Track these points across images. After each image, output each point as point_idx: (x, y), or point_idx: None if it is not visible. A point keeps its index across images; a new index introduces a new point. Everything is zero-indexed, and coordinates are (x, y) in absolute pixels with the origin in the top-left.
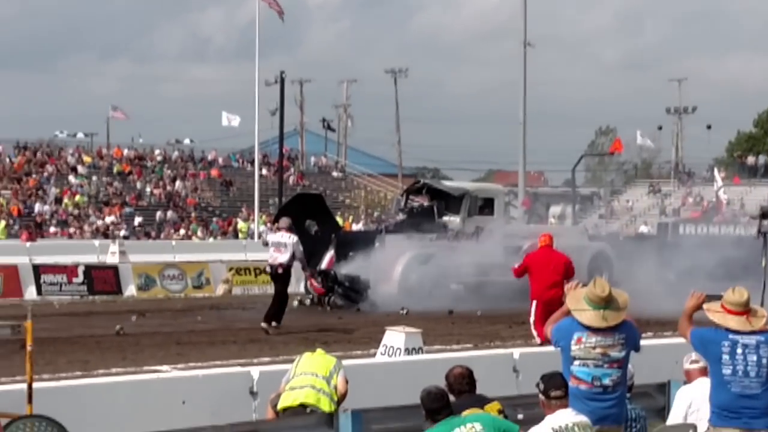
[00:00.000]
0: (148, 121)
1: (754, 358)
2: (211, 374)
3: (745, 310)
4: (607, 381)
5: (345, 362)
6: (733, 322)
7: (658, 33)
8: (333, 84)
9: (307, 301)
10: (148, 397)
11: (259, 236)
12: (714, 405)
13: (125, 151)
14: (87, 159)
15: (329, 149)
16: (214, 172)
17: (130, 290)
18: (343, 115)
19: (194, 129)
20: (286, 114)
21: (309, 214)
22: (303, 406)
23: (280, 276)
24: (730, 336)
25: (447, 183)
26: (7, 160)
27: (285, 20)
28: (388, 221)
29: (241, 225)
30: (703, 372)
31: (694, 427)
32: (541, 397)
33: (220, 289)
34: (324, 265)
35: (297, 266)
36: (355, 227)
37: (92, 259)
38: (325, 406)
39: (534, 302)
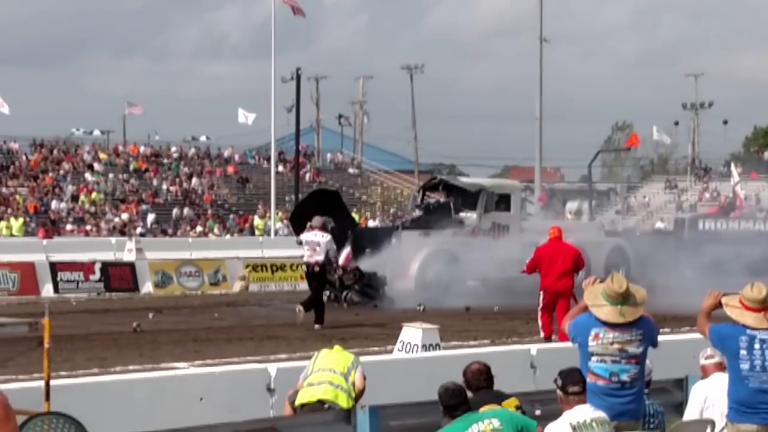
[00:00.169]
0: (165, 118)
1: None
2: (229, 371)
3: (762, 307)
4: (624, 377)
5: (362, 359)
6: (750, 318)
7: (675, 28)
8: (349, 81)
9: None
10: (165, 394)
11: (276, 233)
12: (732, 400)
13: (141, 149)
14: (103, 156)
15: (345, 146)
16: (230, 169)
17: (147, 287)
18: (359, 112)
19: (210, 126)
20: (302, 111)
21: (325, 210)
22: (321, 402)
23: (317, 275)
24: (748, 331)
25: (463, 179)
26: (24, 157)
27: (300, 18)
28: (405, 217)
29: (257, 222)
30: (719, 367)
31: (712, 422)
32: (559, 392)
33: (237, 286)
34: (341, 261)
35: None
36: (372, 224)
37: (109, 256)
38: (343, 402)
39: (542, 292)
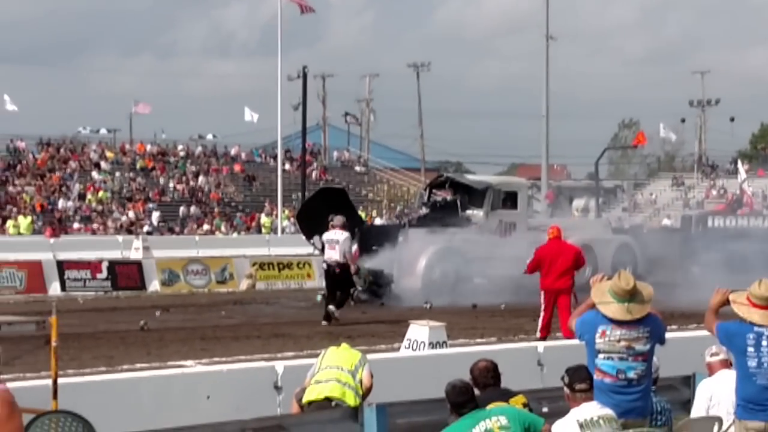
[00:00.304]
0: (171, 116)
1: None
2: (236, 369)
3: None
4: (631, 374)
5: (369, 356)
6: (758, 316)
7: (681, 25)
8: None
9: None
10: (172, 393)
11: (283, 231)
12: (739, 398)
13: (148, 147)
14: (110, 155)
15: (352, 144)
16: (237, 168)
17: (154, 285)
18: (365, 110)
19: (217, 124)
20: (309, 109)
21: (332, 208)
22: (328, 400)
23: (337, 275)
24: (756, 328)
25: (470, 177)
26: (31, 156)
27: (307, 15)
28: (411, 215)
29: (264, 220)
30: (724, 364)
31: (719, 419)
32: (566, 390)
33: (244, 284)
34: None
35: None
36: (378, 222)
37: (116, 254)
38: (350, 400)
39: (543, 292)
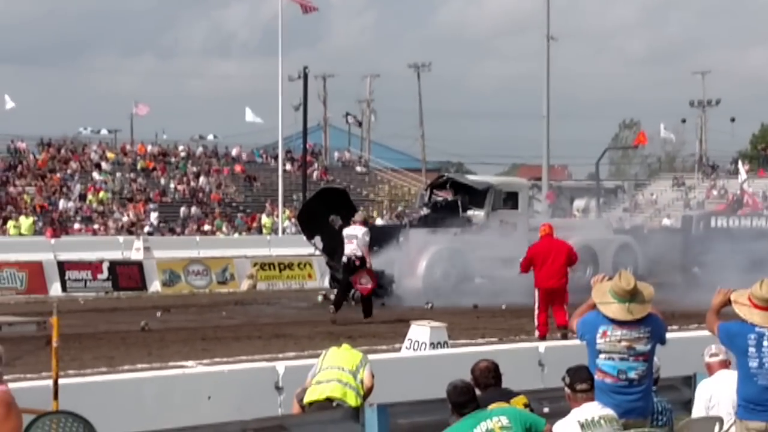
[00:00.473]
0: (172, 117)
1: None
2: (237, 369)
3: None
4: (632, 374)
5: (370, 357)
6: (759, 317)
7: (682, 26)
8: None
9: (332, 296)
10: (173, 393)
11: (283, 231)
12: (741, 398)
13: (149, 148)
14: (111, 155)
15: (353, 144)
16: (237, 168)
17: (155, 286)
18: (366, 110)
19: (218, 125)
20: (310, 109)
21: (333, 208)
22: (329, 400)
23: (357, 267)
24: (757, 329)
25: (471, 177)
26: (31, 156)
27: (308, 16)
28: (412, 216)
29: (265, 220)
30: (723, 365)
31: (720, 419)
32: (567, 390)
33: (245, 285)
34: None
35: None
36: (379, 222)
37: (117, 255)
38: (352, 400)
39: (537, 290)
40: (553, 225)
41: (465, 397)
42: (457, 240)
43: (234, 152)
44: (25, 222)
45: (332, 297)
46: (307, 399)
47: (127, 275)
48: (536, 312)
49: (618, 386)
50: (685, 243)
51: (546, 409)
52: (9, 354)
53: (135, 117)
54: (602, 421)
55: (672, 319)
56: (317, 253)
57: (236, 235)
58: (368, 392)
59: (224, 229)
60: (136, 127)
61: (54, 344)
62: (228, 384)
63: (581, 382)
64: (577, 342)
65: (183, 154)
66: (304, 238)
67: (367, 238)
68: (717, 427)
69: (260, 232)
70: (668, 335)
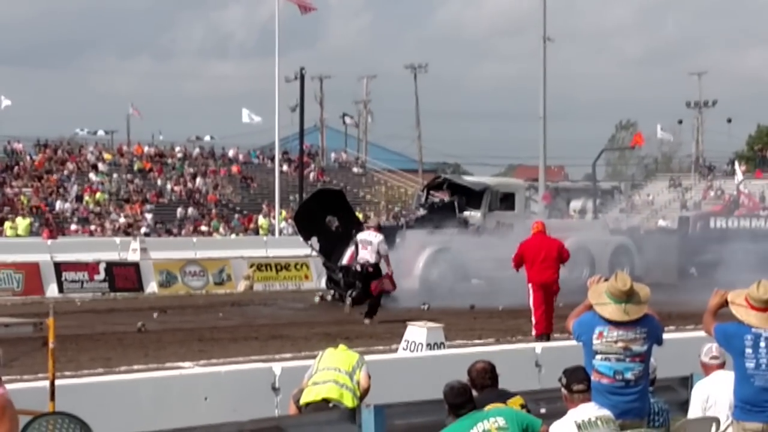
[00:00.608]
0: (169, 118)
1: None
2: (233, 370)
3: (767, 306)
4: (629, 375)
5: (367, 357)
6: (755, 318)
7: (678, 27)
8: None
9: (329, 297)
10: (170, 394)
11: (280, 233)
12: (737, 399)
13: (146, 149)
14: (107, 156)
15: (349, 145)
16: (234, 169)
17: (152, 287)
18: (363, 111)
19: (215, 126)
20: (306, 110)
21: (330, 209)
22: (326, 401)
23: (371, 274)
24: (753, 330)
25: (467, 178)
26: (28, 158)
27: (305, 16)
28: (409, 217)
29: (261, 221)
30: (720, 365)
31: (717, 420)
32: (564, 391)
33: (242, 286)
34: (345, 260)
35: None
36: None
37: (113, 256)
38: (348, 401)
39: (530, 286)
40: (550, 226)
41: (462, 398)
42: (453, 241)
43: (231, 153)
44: (22, 223)
45: (329, 298)
46: (303, 400)
47: (123, 276)
48: (532, 309)
49: (614, 387)
50: (681, 244)
51: (543, 410)
52: (5, 355)
53: (131, 118)
54: (599, 422)
55: (668, 319)
56: (314, 254)
57: (233, 236)
58: (365, 393)
59: (221, 230)
60: (132, 128)
61: (50, 345)
62: (225, 385)
63: (578, 382)
64: (573, 343)
65: (180, 155)
66: (301, 239)
67: (386, 246)
68: (714, 428)
69: (257, 233)
70: (665, 336)
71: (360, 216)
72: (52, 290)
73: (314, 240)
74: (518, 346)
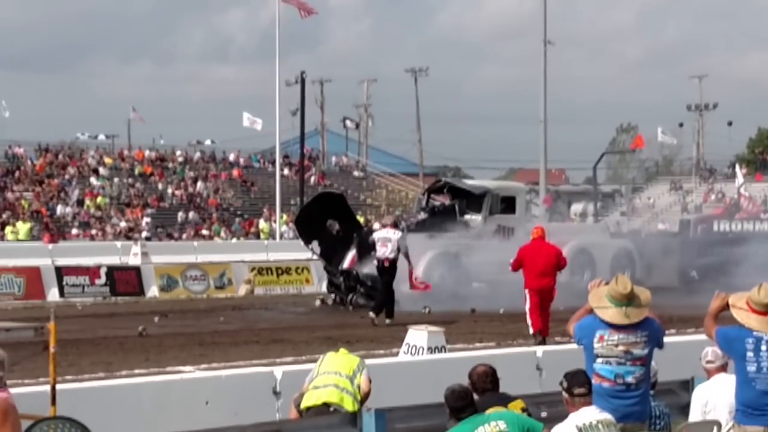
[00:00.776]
0: (170, 122)
1: None
2: (234, 374)
3: None
4: (630, 378)
5: (368, 361)
6: (756, 322)
7: (679, 30)
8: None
9: (329, 301)
10: (171, 398)
11: (281, 236)
12: (739, 402)
13: (146, 153)
14: (108, 161)
15: (350, 149)
16: (235, 173)
17: (153, 291)
18: (363, 115)
19: (216, 130)
20: (307, 114)
21: (331, 213)
22: (326, 405)
23: (387, 269)
24: (755, 333)
25: (468, 182)
26: (29, 162)
27: (306, 20)
28: (410, 220)
29: (262, 225)
30: (721, 368)
31: (718, 423)
32: (565, 394)
33: (243, 290)
34: (346, 264)
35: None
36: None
37: (114, 260)
38: (349, 405)
39: (527, 291)
40: (551, 229)
41: (463, 402)
42: (454, 244)
43: (231, 157)
44: (23, 227)
45: (329, 302)
46: (304, 404)
47: (124, 280)
48: (527, 313)
49: (615, 390)
50: (682, 247)
51: (544, 414)
52: (7, 359)
53: (132, 122)
54: (600, 426)
55: (669, 323)
56: (315, 257)
57: (234, 240)
58: (365, 397)
59: (222, 234)
60: (133, 133)
61: (51, 350)
62: (226, 389)
63: (579, 386)
64: (574, 346)
65: (180, 159)
66: (302, 243)
67: (405, 242)
68: (715, 431)
69: (258, 237)
70: (666, 339)
71: (361, 220)
72: (53, 294)
73: (315, 244)
74: (519, 349)
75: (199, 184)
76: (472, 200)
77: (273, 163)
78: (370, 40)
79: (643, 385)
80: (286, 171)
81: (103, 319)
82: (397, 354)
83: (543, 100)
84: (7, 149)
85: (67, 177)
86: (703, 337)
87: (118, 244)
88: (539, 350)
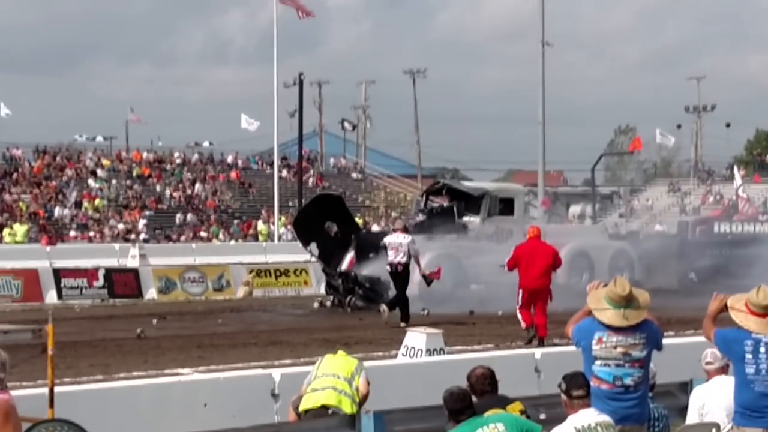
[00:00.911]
0: (168, 124)
1: None
2: (233, 377)
3: (767, 312)
4: (628, 381)
5: (366, 363)
6: (754, 324)
7: (677, 32)
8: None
9: (328, 303)
10: (169, 401)
11: (279, 238)
12: (738, 404)
13: (144, 155)
14: (106, 162)
15: (348, 150)
16: (233, 175)
17: (151, 293)
18: (361, 117)
19: (214, 131)
20: (305, 116)
21: (329, 215)
22: (324, 408)
23: (400, 274)
24: (753, 335)
25: (466, 183)
26: (27, 164)
27: (304, 21)
28: (408, 222)
29: (261, 227)
30: (720, 371)
31: (717, 426)
32: (563, 397)
33: (241, 292)
34: (344, 266)
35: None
36: (375, 228)
37: (112, 262)
38: (347, 407)
39: (521, 290)
40: (550, 231)
41: (461, 404)
42: (452, 246)
43: (229, 159)
44: (20, 229)
45: (328, 304)
46: (302, 407)
47: (122, 282)
48: (518, 309)
49: (614, 393)
50: (681, 248)
51: (542, 416)
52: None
53: (130, 124)
54: (599, 428)
55: (668, 324)
56: (313, 259)
57: (232, 242)
58: (364, 399)
59: (220, 236)
60: (131, 135)
61: (50, 352)
62: (224, 391)
63: (577, 388)
64: (573, 348)
65: (178, 161)
66: (300, 244)
67: (416, 246)
68: None
69: (256, 239)
70: (664, 341)
71: (359, 222)
72: (51, 297)
73: (313, 246)
74: (518, 351)
75: (198, 185)
76: (470, 202)
77: (271, 164)
78: (369, 41)
79: (641, 387)
80: (284, 173)
81: (101, 321)
82: (395, 356)
83: (541, 101)
84: (4, 151)
85: (64, 179)
86: (702, 339)
87: (116, 246)
88: (538, 352)
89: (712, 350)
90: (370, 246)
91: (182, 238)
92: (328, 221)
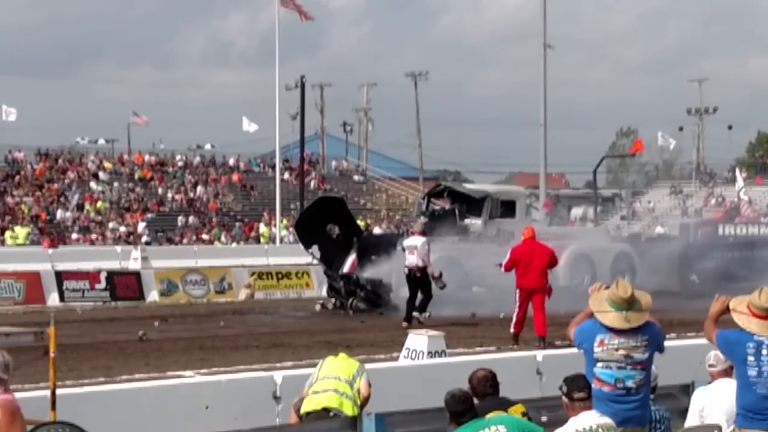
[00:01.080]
0: (170, 126)
1: None
2: (235, 379)
3: None
4: (630, 383)
5: (368, 366)
6: (756, 326)
7: (679, 34)
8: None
9: (330, 305)
10: (171, 403)
11: (281, 241)
12: (740, 406)
13: (146, 157)
14: (108, 165)
15: (350, 153)
16: (235, 177)
17: (153, 296)
18: (363, 119)
19: (216, 134)
20: (307, 118)
21: (331, 217)
22: (326, 410)
23: (419, 279)
24: (755, 337)
25: (468, 186)
26: (29, 166)
27: (305, 23)
28: (410, 225)
29: (262, 230)
30: (722, 373)
31: (719, 428)
32: (565, 399)
33: (243, 294)
34: (346, 268)
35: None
36: (377, 231)
37: (114, 265)
38: (348, 409)
39: (518, 291)
40: (551, 234)
41: (463, 406)
42: (454, 249)
43: (231, 161)
44: (21, 232)
45: (330, 306)
46: (303, 409)
47: (124, 285)
48: (516, 310)
49: (615, 395)
50: (682, 251)
51: (544, 418)
52: None
53: (133, 127)
54: (600, 430)
55: (670, 327)
56: (315, 262)
57: (234, 244)
58: (365, 401)
59: (222, 238)
60: (133, 137)
61: (52, 354)
62: (226, 394)
63: (579, 390)
64: (574, 350)
65: (180, 163)
66: (302, 247)
67: (428, 247)
68: None
69: (258, 241)
70: (666, 343)
71: (361, 224)
72: (53, 299)
73: (315, 248)
74: (519, 353)
75: (199, 188)
76: (472, 204)
77: (273, 167)
78: (370, 44)
79: (643, 390)
80: (286, 175)
81: (103, 323)
82: (397, 358)
83: (543, 104)
84: (7, 154)
85: (66, 181)
86: (704, 341)
87: (118, 248)
88: (539, 354)
89: (715, 353)
90: (372, 248)
91: (184, 240)
92: (329, 224)
